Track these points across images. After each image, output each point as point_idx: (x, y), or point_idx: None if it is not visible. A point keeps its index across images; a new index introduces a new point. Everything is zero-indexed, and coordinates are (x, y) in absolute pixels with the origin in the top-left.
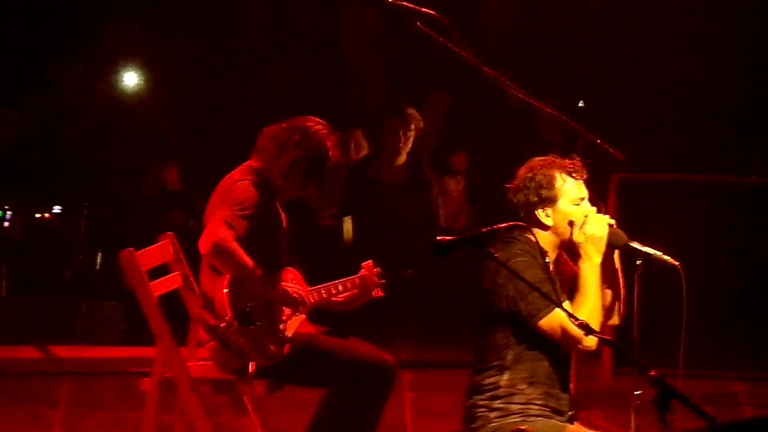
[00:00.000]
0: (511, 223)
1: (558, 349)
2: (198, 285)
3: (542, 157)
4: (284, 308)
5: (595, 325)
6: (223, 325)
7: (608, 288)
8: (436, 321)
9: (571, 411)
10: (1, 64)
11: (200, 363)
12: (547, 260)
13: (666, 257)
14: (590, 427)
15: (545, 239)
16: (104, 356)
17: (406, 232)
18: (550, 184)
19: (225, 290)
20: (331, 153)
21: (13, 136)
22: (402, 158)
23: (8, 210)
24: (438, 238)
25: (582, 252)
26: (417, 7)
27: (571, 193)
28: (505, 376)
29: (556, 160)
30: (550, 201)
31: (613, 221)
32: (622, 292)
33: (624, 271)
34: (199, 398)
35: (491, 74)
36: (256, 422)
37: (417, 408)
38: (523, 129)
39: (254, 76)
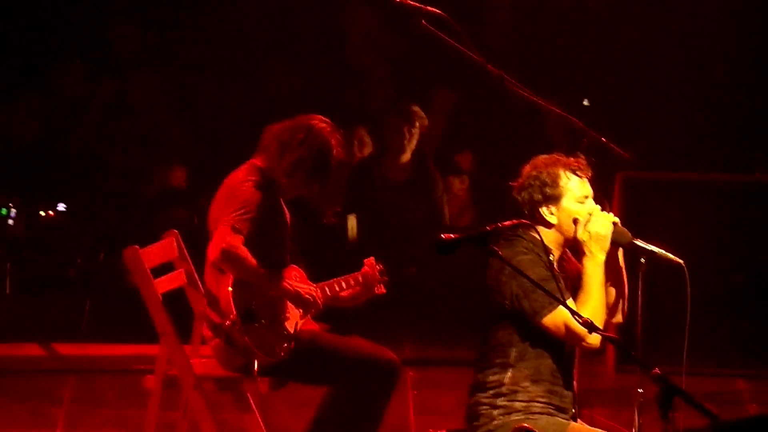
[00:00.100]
0: (515, 221)
1: (561, 347)
2: (202, 283)
3: (547, 156)
4: (288, 306)
5: (599, 323)
6: (227, 323)
7: (612, 286)
8: (440, 319)
9: (574, 409)
10: (3, 61)
11: (204, 360)
12: (551, 258)
13: (670, 255)
14: (593, 425)
15: (549, 237)
16: (108, 354)
17: (410, 230)
18: (555, 182)
19: (229, 289)
20: (335, 151)
21: (25, 134)
22: (407, 156)
23: (12, 208)
24: (442, 236)
25: (586, 250)
26: (422, 6)
27: (575, 191)
28: (509, 374)
29: (561, 158)
30: (554, 199)
31: (617, 219)
32: (625, 290)
33: (628, 270)
34: (203, 395)
35: (496, 73)
36: (260, 420)
37: (420, 405)
38: (527, 127)
39: (258, 75)
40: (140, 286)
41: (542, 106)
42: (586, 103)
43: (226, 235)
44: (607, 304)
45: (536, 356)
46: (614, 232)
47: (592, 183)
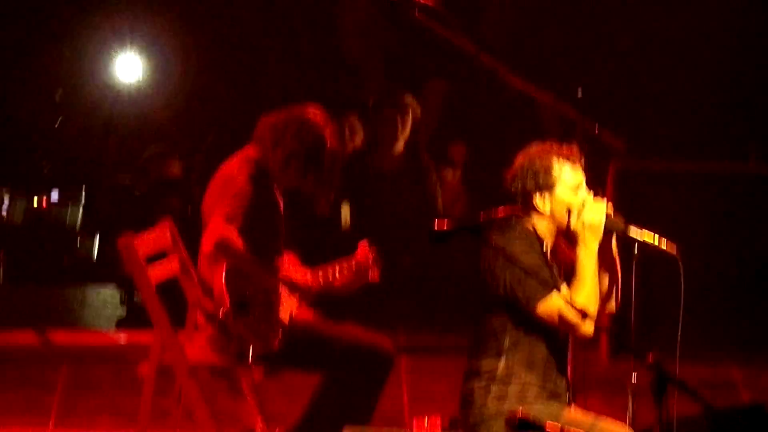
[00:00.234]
0: (508, 210)
1: (555, 334)
2: (196, 271)
3: (540, 144)
4: (283, 294)
5: (593, 311)
6: (221, 312)
7: (605, 274)
8: (434, 306)
9: (568, 395)
10: None
11: (198, 348)
12: (544, 247)
13: (663, 244)
14: (587, 412)
15: (543, 226)
16: (102, 342)
17: (403, 219)
18: (548, 171)
19: (222, 278)
20: (328, 143)
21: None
22: (400, 146)
23: (6, 196)
24: (436, 225)
25: (579, 239)
26: None
27: (568, 180)
28: (502, 361)
29: (554, 146)
30: (547, 188)
31: (610, 208)
32: (619, 278)
33: (621, 258)
34: (197, 383)
35: (489, 62)
36: (254, 407)
37: (414, 393)
38: (521, 116)
39: (251, 65)
40: (134, 275)
41: (535, 95)
42: (579, 92)
43: (221, 226)
44: (601, 292)
45: (530, 343)
46: (607, 221)
47: (586, 172)
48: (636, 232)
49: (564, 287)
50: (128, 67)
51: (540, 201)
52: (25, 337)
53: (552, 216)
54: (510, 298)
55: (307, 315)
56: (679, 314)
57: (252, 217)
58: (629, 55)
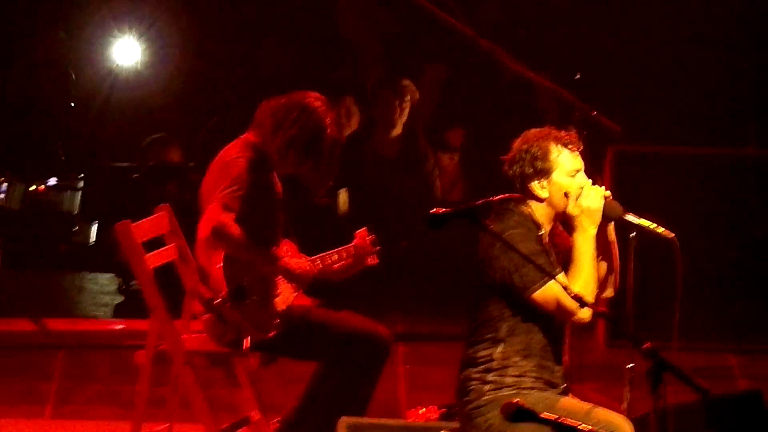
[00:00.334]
0: (505, 196)
1: (552, 322)
2: (194, 257)
3: (538, 129)
4: (280, 282)
5: (590, 297)
6: (218, 300)
7: (603, 260)
8: (431, 293)
9: (564, 383)
10: None
11: (195, 336)
12: (541, 232)
13: (661, 229)
14: (584, 400)
15: (540, 211)
16: (98, 329)
17: (401, 204)
18: (545, 156)
19: (219, 265)
20: (328, 131)
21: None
22: (397, 130)
23: (3, 182)
24: (433, 210)
25: (577, 224)
26: None
27: (566, 164)
28: (499, 349)
29: (552, 131)
30: (545, 173)
31: (608, 193)
32: (616, 264)
33: (619, 244)
34: (194, 371)
35: (487, 46)
36: (251, 395)
37: (411, 381)
38: (519, 101)
39: (250, 49)
40: (131, 261)
41: (533, 79)
42: (577, 76)
43: (218, 212)
44: (598, 278)
45: (527, 331)
46: (605, 206)
47: (584, 156)
48: (634, 218)
49: (561, 273)
50: (126, 52)
51: (538, 186)
52: (21, 325)
53: (550, 201)
54: (507, 285)
55: (305, 302)
56: (675, 300)
57: (250, 203)
58: (627, 39)
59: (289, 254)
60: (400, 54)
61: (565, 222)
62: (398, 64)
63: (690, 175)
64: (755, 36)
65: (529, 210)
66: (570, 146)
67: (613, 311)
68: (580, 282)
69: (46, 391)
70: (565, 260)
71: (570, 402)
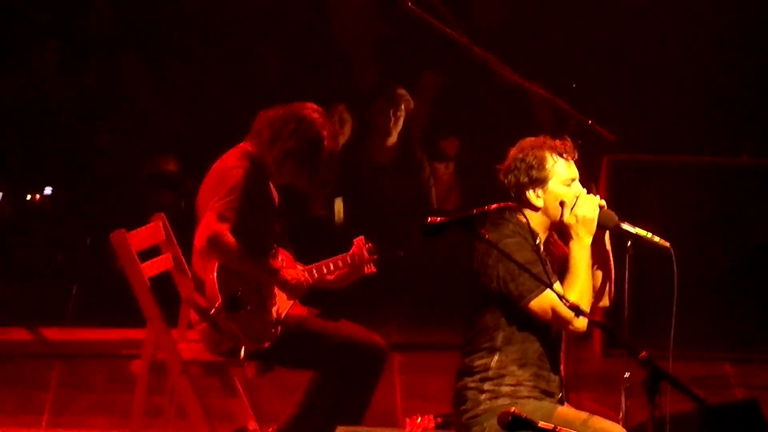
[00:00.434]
0: (501, 204)
1: (548, 331)
2: (189, 266)
3: (533, 138)
4: (276, 291)
5: (586, 306)
6: (212, 310)
7: (599, 269)
8: (427, 303)
9: (561, 393)
10: None
11: (191, 345)
12: (537, 241)
13: (657, 238)
14: (580, 409)
15: (536, 220)
16: (95, 338)
17: (396, 213)
18: (541, 165)
19: (214, 275)
20: (325, 143)
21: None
22: (393, 139)
23: None
24: (428, 219)
25: (572, 233)
26: None
27: (561, 173)
28: (495, 358)
29: (547, 140)
30: (540, 182)
31: (603, 202)
32: (612, 273)
33: (614, 253)
34: (190, 380)
35: (483, 55)
36: (247, 404)
37: (407, 390)
38: (514, 110)
39: (244, 57)
40: (127, 270)
41: (529, 88)
42: (573, 85)
43: (213, 222)
44: (594, 287)
45: (523, 340)
46: (601, 215)
47: (579, 166)
48: (629, 227)
49: (557, 283)
50: (124, 62)
51: (533, 195)
52: (18, 334)
53: (545, 210)
54: (503, 293)
55: (301, 312)
56: (672, 309)
57: (245, 214)
58: (622, 49)
59: (284, 264)
60: (394, 63)
61: (560, 231)
62: (393, 72)
63: (685, 184)
64: (750, 45)
65: (525, 219)
66: (565, 155)
67: (609, 320)
68: (575, 291)
69: (43, 400)
70: (560, 269)
71: (566, 411)
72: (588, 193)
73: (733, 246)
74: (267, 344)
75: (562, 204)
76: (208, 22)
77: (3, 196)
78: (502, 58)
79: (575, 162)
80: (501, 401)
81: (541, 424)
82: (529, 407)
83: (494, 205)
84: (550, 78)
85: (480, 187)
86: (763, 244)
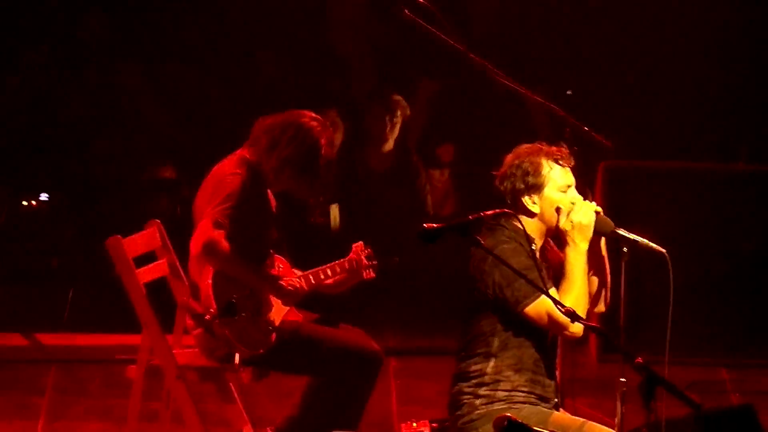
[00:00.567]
0: (497, 211)
1: (544, 336)
2: (185, 272)
3: (529, 144)
4: (272, 297)
5: (582, 312)
6: (207, 316)
7: (594, 275)
8: (423, 308)
9: (556, 398)
10: None
11: (186, 350)
12: (533, 247)
13: (652, 244)
14: (576, 414)
15: (532, 226)
16: (90, 344)
17: (393, 219)
18: (537, 171)
19: (209, 281)
20: (323, 151)
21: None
22: (389, 145)
23: None
24: (425, 225)
25: (568, 239)
26: None
27: (557, 180)
28: (491, 363)
29: (543, 147)
30: (536, 188)
31: (599, 208)
32: (608, 279)
33: (610, 259)
34: (186, 386)
35: (479, 62)
36: (242, 410)
37: (403, 395)
38: (510, 116)
39: (241, 63)
40: (123, 276)
41: (525, 95)
42: (569, 92)
43: (208, 228)
44: (590, 293)
45: (519, 345)
46: (597, 222)
47: (575, 172)
48: (625, 233)
49: (553, 288)
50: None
51: (529, 201)
52: (13, 339)
53: (541, 216)
54: (499, 299)
55: (297, 318)
56: (667, 315)
57: (241, 221)
58: (619, 55)
59: (281, 270)
60: (391, 69)
61: (556, 237)
62: (390, 79)
63: (681, 190)
64: (746, 51)
65: (521, 225)
66: (561, 162)
67: (605, 326)
68: (571, 297)
69: (38, 405)
70: (556, 275)
71: (562, 416)
72: (584, 199)
73: (728, 251)
74: (262, 351)
75: (558, 210)
76: (205, 28)
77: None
78: (499, 65)
79: (571, 168)
80: (497, 406)
81: (537, 429)
82: (525, 412)
83: (490, 212)
84: (546, 84)
85: (476, 193)
86: (758, 250)
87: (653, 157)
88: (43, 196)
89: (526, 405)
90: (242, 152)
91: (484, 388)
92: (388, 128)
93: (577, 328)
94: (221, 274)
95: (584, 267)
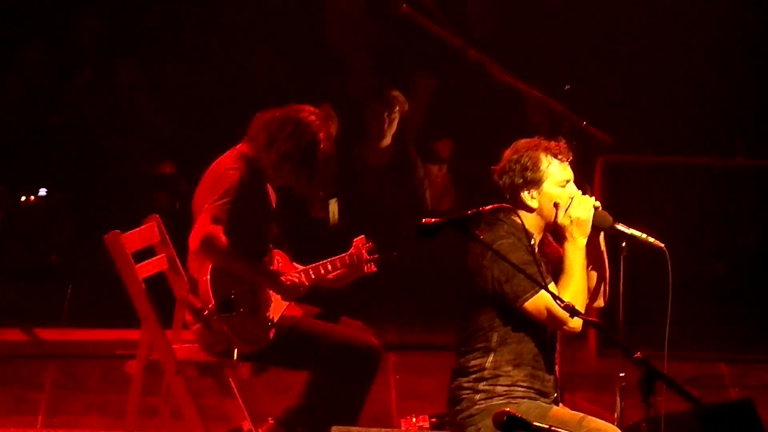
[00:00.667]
0: (496, 205)
1: (543, 331)
2: (185, 268)
3: (528, 139)
4: (271, 292)
5: (581, 307)
6: (205, 312)
7: (593, 270)
8: (422, 303)
9: (556, 393)
10: None
11: (186, 345)
12: (532, 242)
13: (651, 239)
14: (575, 409)
15: (530, 221)
16: (89, 339)
17: (391, 214)
18: (536, 166)
19: (207, 277)
20: (322, 145)
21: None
22: (387, 141)
23: None
24: (423, 220)
25: (567, 234)
26: None
27: (556, 175)
28: (490, 358)
29: (542, 142)
30: (535, 183)
31: (598, 203)
32: (607, 274)
33: (609, 253)
34: (185, 381)
35: (477, 57)
36: (242, 404)
37: (402, 390)
38: (509, 111)
39: (239, 60)
40: (122, 272)
41: (523, 90)
42: (567, 87)
43: (207, 224)
44: (589, 288)
45: (518, 340)
46: (595, 216)
47: (573, 167)
48: (624, 228)
49: (552, 283)
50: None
51: (528, 196)
52: (12, 335)
53: (540, 211)
54: (498, 294)
55: (296, 313)
56: (666, 310)
57: (240, 216)
58: (617, 50)
59: (279, 265)
60: (389, 65)
61: (555, 232)
62: (387, 75)
63: (679, 185)
64: (744, 46)
65: (520, 220)
66: (560, 156)
67: (604, 321)
68: (570, 292)
69: (38, 401)
70: (555, 270)
71: (561, 411)
72: (583, 194)
73: (727, 246)
74: (260, 346)
75: (556, 205)
76: (203, 25)
77: None
78: (497, 60)
79: (570, 163)
80: (496, 401)
81: (536, 424)
82: (524, 407)
83: (489, 207)
84: (544, 79)
85: (474, 188)
86: (758, 245)
87: (652, 152)
88: (42, 192)
89: (525, 400)
90: (241, 147)
91: (483, 383)
92: (386, 124)
93: (576, 323)
94: (220, 269)
95: (583, 262)
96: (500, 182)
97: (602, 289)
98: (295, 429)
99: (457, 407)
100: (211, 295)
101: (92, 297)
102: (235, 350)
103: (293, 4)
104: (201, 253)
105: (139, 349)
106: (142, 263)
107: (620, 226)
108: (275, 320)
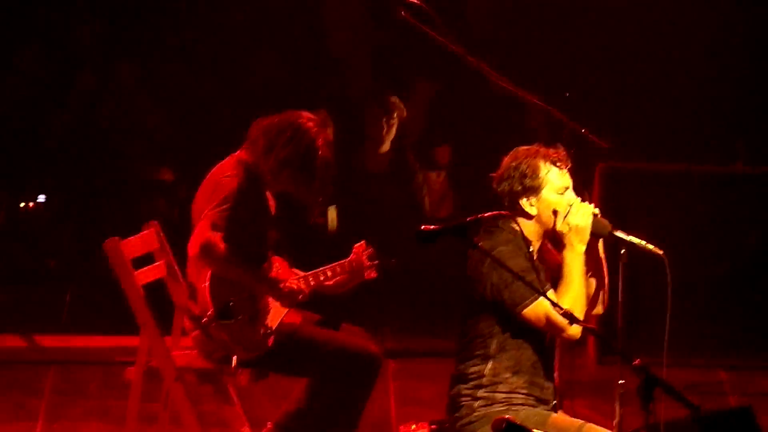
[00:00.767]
0: (495, 213)
1: (542, 338)
2: (184, 274)
3: (527, 147)
4: (271, 299)
5: (580, 314)
6: (204, 319)
7: (592, 277)
8: (421, 310)
9: (555, 400)
10: None
11: (185, 352)
12: (531, 249)
13: (650, 246)
14: (574, 417)
15: (529, 228)
16: (89, 345)
17: (390, 220)
18: (535, 174)
19: (206, 284)
20: (320, 152)
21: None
22: (385, 147)
23: None
24: (422, 227)
25: (566, 241)
26: None
27: (555, 182)
28: (489, 365)
29: (541, 149)
30: (534, 190)
31: (597, 210)
32: (606, 281)
33: (608, 260)
34: (184, 387)
35: (476, 63)
36: (241, 411)
37: (401, 397)
38: (508, 118)
39: (238, 65)
40: (121, 278)
41: (522, 96)
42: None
43: (206, 230)
44: (588, 295)
45: (517, 347)
46: (594, 223)
47: (572, 174)
48: (623, 235)
49: (551, 290)
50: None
51: (527, 203)
52: (12, 341)
53: (539, 218)
54: (497, 301)
55: (295, 319)
56: (665, 317)
57: (239, 223)
58: (615, 57)
59: (279, 272)
60: (388, 71)
61: (554, 239)
62: (386, 80)
63: (678, 192)
64: (743, 53)
65: (519, 227)
66: (559, 164)
67: (603, 328)
68: (569, 299)
69: (37, 407)
70: (554, 277)
71: (561, 418)
72: (581, 201)
73: (726, 253)
74: (258, 353)
75: (555, 212)
76: (202, 29)
77: None
78: (496, 67)
79: (568, 170)
80: (495, 408)
81: (536, 431)
82: (523, 414)
83: (488, 213)
84: (543, 86)
85: (473, 195)
86: (757, 251)
87: (651, 158)
88: (41, 198)
89: (524, 407)
90: (240, 154)
91: (483, 389)
92: (385, 130)
93: (575, 330)
94: (219, 276)
95: (582, 269)
96: (499, 189)
97: (601, 296)
98: None
99: (457, 414)
100: (210, 301)
101: (92, 303)
102: (234, 357)
103: (293, 9)
104: (200, 259)
105: (138, 355)
106: (142, 270)
107: (619, 233)
108: (274, 327)
